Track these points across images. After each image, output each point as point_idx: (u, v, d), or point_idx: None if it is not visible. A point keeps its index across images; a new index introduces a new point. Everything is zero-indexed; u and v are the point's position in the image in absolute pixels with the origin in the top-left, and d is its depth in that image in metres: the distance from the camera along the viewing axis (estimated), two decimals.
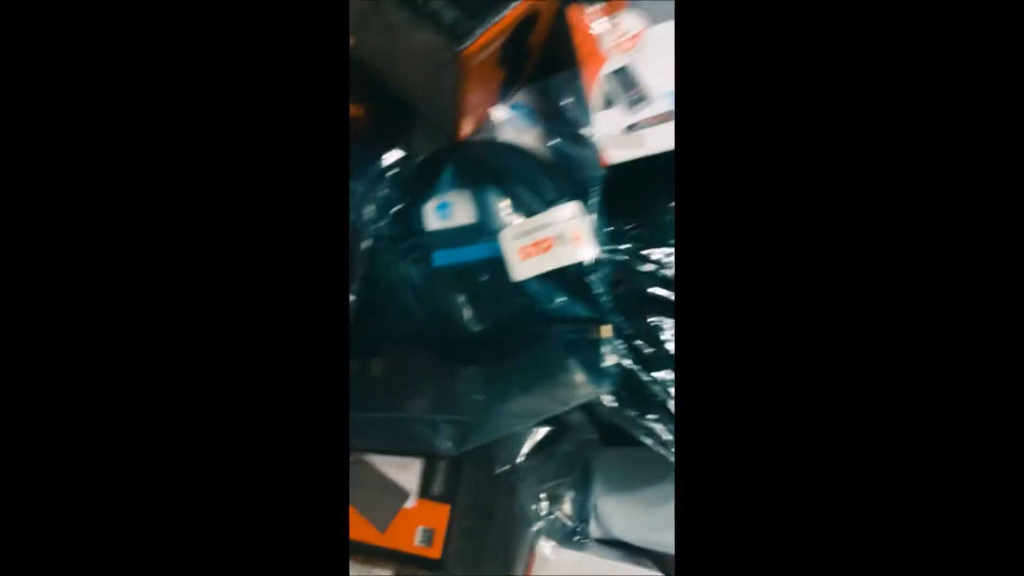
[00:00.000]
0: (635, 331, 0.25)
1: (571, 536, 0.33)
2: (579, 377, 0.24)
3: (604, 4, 0.28)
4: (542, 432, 0.31)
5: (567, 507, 0.34)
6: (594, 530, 0.34)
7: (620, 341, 0.25)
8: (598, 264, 0.26)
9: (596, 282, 0.25)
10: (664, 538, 0.33)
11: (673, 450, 0.24)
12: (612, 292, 0.26)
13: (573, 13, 0.28)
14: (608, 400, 0.24)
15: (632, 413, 0.24)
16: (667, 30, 0.29)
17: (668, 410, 0.24)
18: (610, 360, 0.24)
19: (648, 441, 0.24)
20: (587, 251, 0.25)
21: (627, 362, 0.24)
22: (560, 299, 0.25)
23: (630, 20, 0.28)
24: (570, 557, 0.31)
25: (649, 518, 0.34)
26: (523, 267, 0.26)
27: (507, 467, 0.31)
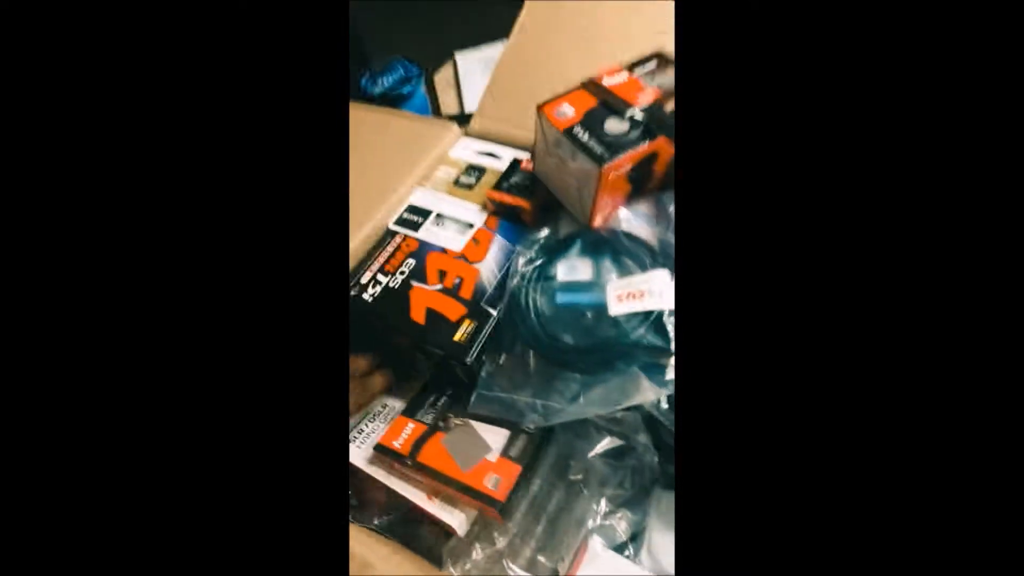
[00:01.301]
0: None
1: (621, 550, 0.37)
2: (645, 383, 0.33)
3: None
4: (612, 442, 0.38)
5: (623, 524, 0.39)
6: (644, 559, 0.38)
7: None
8: (672, 313, 0.35)
9: (669, 325, 0.35)
10: None
11: None
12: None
13: None
14: (663, 403, 0.32)
15: (671, 413, 0.32)
16: None
17: None
18: (670, 375, 0.33)
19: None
20: (667, 303, 0.36)
21: None
22: (641, 332, 0.35)
23: None
24: (620, 562, 0.35)
25: None
26: (618, 307, 0.37)
27: (579, 464, 0.38)
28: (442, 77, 0.91)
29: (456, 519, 0.37)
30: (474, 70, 0.91)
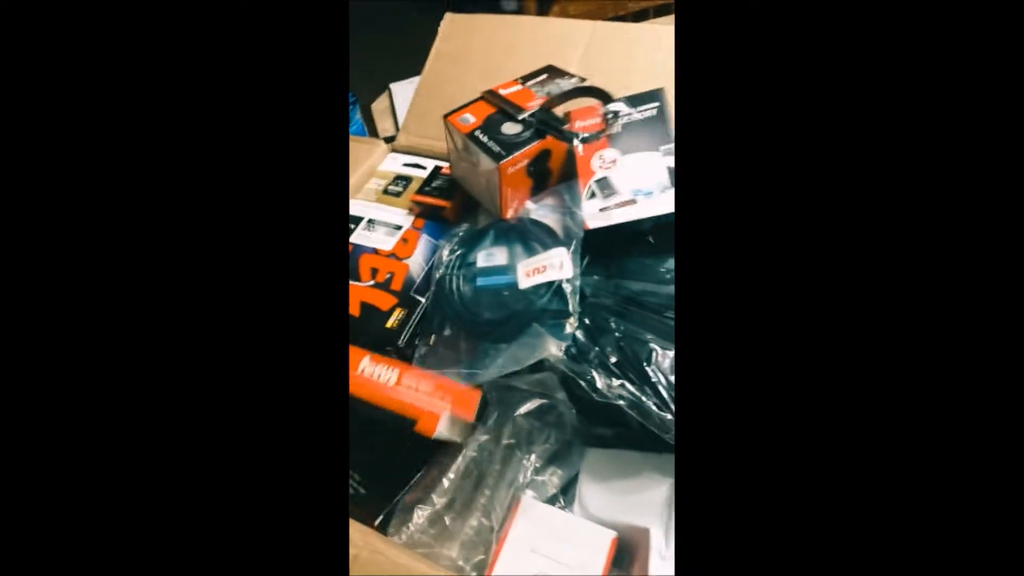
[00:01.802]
0: (587, 319, 0.39)
1: (552, 502, 0.41)
2: (549, 340, 0.38)
3: (595, 143, 0.48)
4: (535, 403, 0.43)
5: (554, 479, 0.43)
6: (576, 510, 0.42)
7: (578, 325, 0.39)
8: (571, 282, 0.41)
9: (569, 292, 0.40)
10: (633, 519, 0.40)
11: (596, 392, 0.36)
12: (579, 297, 0.40)
13: (576, 150, 0.48)
14: (561, 353, 0.37)
15: (577, 366, 0.37)
16: (631, 159, 0.47)
17: (605, 366, 0.37)
18: (569, 329, 0.38)
19: (582, 383, 0.36)
20: (565, 273, 0.41)
21: (579, 333, 0.38)
22: (545, 300, 0.41)
23: (609, 152, 0.47)
24: (551, 511, 0.39)
25: (622, 503, 0.41)
26: (526, 281, 0.42)
27: (510, 428, 0.43)
28: (379, 106, 0.97)
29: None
30: (408, 97, 0.97)
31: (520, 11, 1.07)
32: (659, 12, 1.06)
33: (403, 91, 0.96)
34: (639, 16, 1.09)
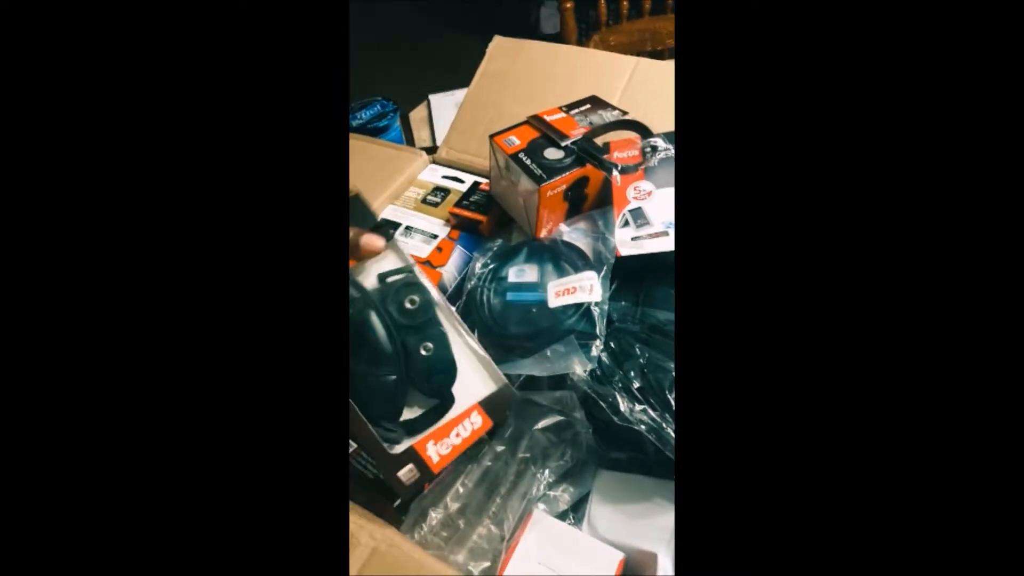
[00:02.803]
0: (613, 343, 0.41)
1: (563, 518, 0.42)
2: (576, 357, 0.40)
3: (632, 175, 0.50)
4: (554, 419, 0.44)
5: (566, 496, 0.44)
6: (584, 528, 0.43)
7: (603, 348, 0.40)
8: (599, 305, 0.42)
9: (597, 315, 0.42)
10: (642, 543, 0.41)
11: (617, 415, 0.37)
12: (606, 322, 0.42)
13: (614, 179, 0.50)
14: (586, 374, 0.39)
15: (600, 387, 0.38)
16: (666, 192, 0.49)
17: (628, 390, 0.38)
18: (595, 351, 0.39)
19: (602, 404, 0.37)
20: (595, 296, 0.43)
21: (604, 356, 0.39)
22: (573, 320, 0.42)
23: (645, 184, 0.49)
24: (560, 526, 0.40)
25: (631, 526, 0.42)
26: (556, 300, 0.43)
27: (527, 441, 0.44)
28: (417, 115, 1.00)
29: None
30: (446, 109, 1.01)
31: (560, 34, 1.10)
32: None
33: (441, 103, 0.99)
34: (674, 53, 1.12)
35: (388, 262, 0.36)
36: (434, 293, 0.36)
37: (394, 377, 0.34)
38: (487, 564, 0.41)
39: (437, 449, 0.33)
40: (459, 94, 0.99)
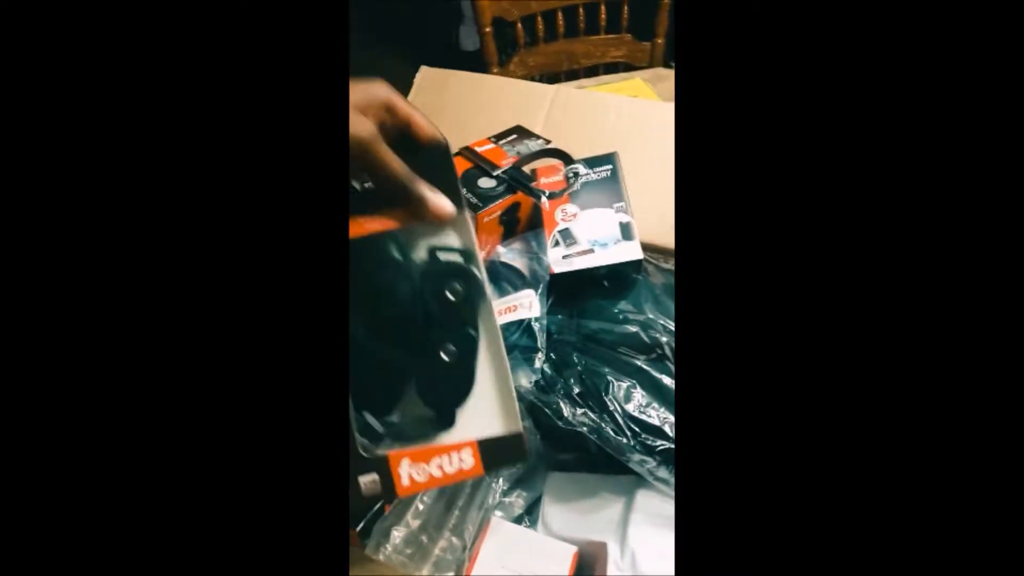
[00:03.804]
0: (553, 354, 0.45)
1: (519, 522, 0.46)
2: (521, 373, 0.43)
3: (559, 199, 0.55)
4: None
5: (520, 501, 0.47)
6: (540, 529, 0.46)
7: (545, 359, 0.44)
8: (539, 320, 0.46)
9: (538, 329, 0.46)
10: (592, 535, 0.44)
11: (561, 420, 0.41)
12: (546, 335, 0.46)
13: (543, 204, 0.55)
14: (531, 384, 0.42)
15: (545, 396, 0.42)
16: (589, 214, 0.54)
17: (570, 396, 0.42)
18: (538, 363, 0.43)
19: (548, 412, 0.41)
20: (535, 312, 0.47)
21: (546, 367, 0.43)
22: (516, 336, 0.46)
23: (570, 207, 0.54)
24: (518, 530, 0.43)
25: (581, 521, 0.45)
26: (498, 318, 0.47)
27: None
28: None
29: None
30: None
31: (480, 53, 1.15)
32: (608, 69, 1.18)
33: None
34: (590, 71, 1.20)
35: (448, 237, 0.29)
36: (486, 289, 0.29)
37: (402, 366, 0.28)
38: (451, 574, 0.43)
39: (411, 471, 0.27)
40: None
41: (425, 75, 0.71)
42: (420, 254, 0.29)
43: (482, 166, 0.52)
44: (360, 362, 0.26)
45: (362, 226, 0.27)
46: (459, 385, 0.29)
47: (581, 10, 1.14)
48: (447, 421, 0.28)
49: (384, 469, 0.27)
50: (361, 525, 0.43)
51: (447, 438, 0.28)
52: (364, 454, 0.27)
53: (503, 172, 0.52)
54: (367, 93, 0.26)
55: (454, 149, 0.55)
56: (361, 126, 0.24)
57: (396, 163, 0.26)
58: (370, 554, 0.42)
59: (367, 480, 0.27)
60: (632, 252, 0.48)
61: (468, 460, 0.27)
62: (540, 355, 0.45)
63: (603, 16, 1.15)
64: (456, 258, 0.29)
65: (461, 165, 0.53)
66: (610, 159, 0.54)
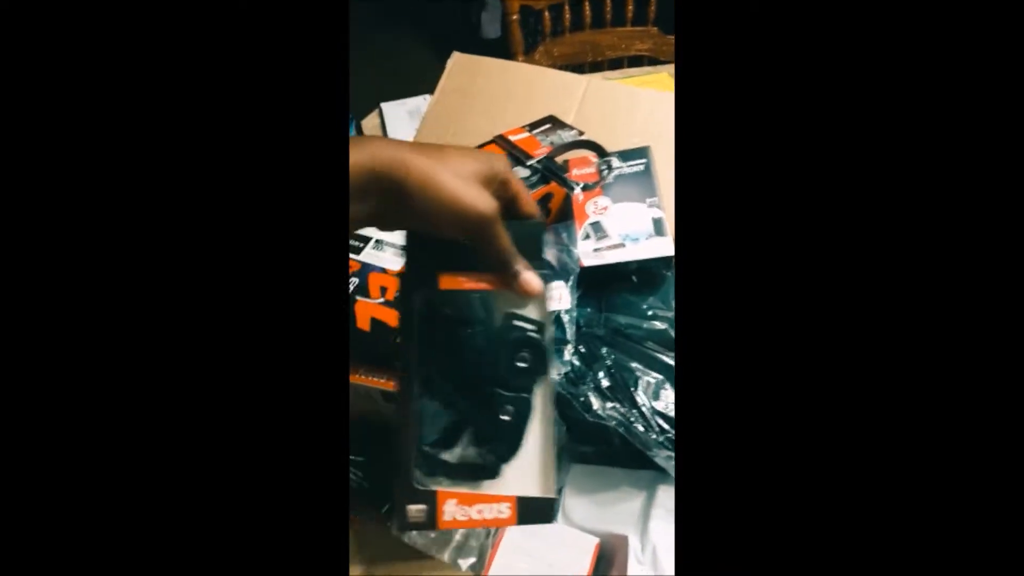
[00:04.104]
0: (582, 347, 0.45)
1: None
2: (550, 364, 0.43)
3: (591, 191, 0.54)
4: None
5: None
6: (560, 520, 0.47)
7: (574, 352, 0.44)
8: (569, 312, 0.46)
9: (567, 321, 0.46)
10: (613, 527, 0.45)
11: (589, 413, 0.41)
12: (575, 327, 0.46)
13: (575, 196, 0.54)
14: (560, 376, 0.42)
15: (573, 388, 0.42)
16: (622, 208, 0.53)
17: (599, 389, 0.42)
18: (567, 355, 0.43)
19: (576, 404, 0.41)
20: (564, 304, 0.47)
21: (575, 359, 0.43)
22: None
23: (602, 200, 0.54)
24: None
25: (602, 513, 0.46)
26: None
27: None
28: (369, 123, 1.00)
29: None
30: (399, 119, 1.01)
31: (504, 41, 1.13)
32: (632, 63, 1.16)
33: (394, 112, 1.00)
34: (614, 64, 1.19)
35: (528, 308, 0.32)
36: (549, 364, 0.32)
37: (465, 415, 0.31)
38: (473, 560, 0.44)
39: (454, 511, 0.30)
40: (411, 103, 1.00)
41: (457, 61, 0.70)
42: (500, 317, 0.32)
43: (516, 155, 0.52)
44: (430, 402, 0.30)
45: (459, 282, 0.30)
46: (510, 443, 0.32)
47: (608, 1, 1.13)
48: (492, 473, 0.31)
49: (431, 502, 0.30)
50: (387, 507, 0.43)
51: (489, 487, 0.31)
52: (418, 486, 0.30)
53: (537, 162, 0.51)
54: (490, 166, 0.28)
55: (486, 136, 0.55)
56: (485, 203, 0.26)
57: (506, 241, 0.28)
58: (396, 534, 0.43)
59: (415, 509, 0.30)
60: (664, 248, 0.48)
61: (505, 511, 0.30)
62: (569, 347, 0.45)
63: (630, 8, 1.14)
64: (532, 329, 0.32)
65: (495, 153, 0.52)
66: (644, 152, 0.54)
